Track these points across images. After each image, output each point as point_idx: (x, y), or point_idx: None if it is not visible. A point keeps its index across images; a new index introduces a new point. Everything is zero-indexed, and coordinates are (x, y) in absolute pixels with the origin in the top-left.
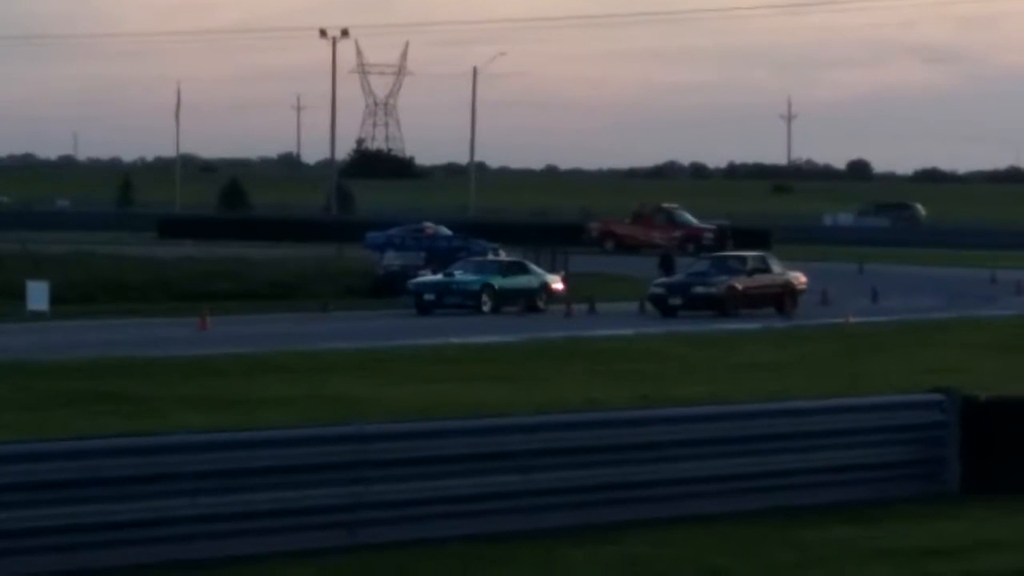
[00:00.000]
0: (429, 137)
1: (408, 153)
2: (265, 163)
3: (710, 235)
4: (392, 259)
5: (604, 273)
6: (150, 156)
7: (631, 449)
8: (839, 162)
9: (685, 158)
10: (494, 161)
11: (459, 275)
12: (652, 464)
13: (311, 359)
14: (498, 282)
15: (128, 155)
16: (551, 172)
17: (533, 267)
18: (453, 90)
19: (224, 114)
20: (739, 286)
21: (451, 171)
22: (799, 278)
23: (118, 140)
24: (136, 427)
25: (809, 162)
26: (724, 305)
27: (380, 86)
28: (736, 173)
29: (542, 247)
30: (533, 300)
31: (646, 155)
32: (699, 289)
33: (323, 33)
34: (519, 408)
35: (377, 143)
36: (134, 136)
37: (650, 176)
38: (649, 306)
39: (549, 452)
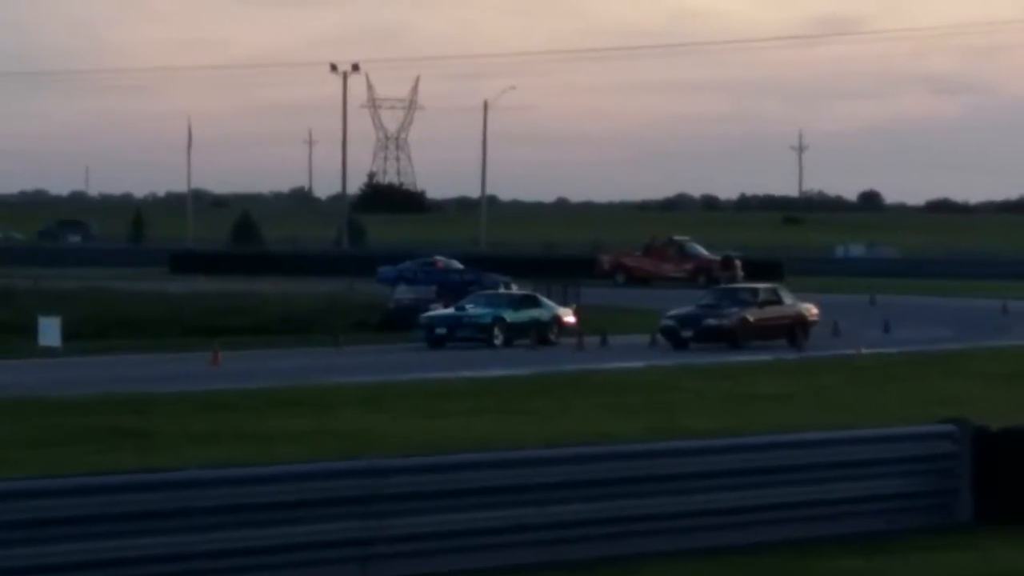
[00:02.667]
0: (440, 171)
1: (419, 187)
2: (277, 198)
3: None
4: (404, 293)
5: (615, 306)
6: (162, 191)
7: (645, 481)
8: (850, 193)
9: (696, 190)
10: (505, 194)
11: (471, 309)
12: (666, 496)
13: (323, 394)
14: (510, 315)
15: (140, 190)
16: (562, 205)
17: (544, 300)
18: (464, 124)
19: (235, 149)
20: (751, 318)
21: (462, 204)
22: (811, 310)
23: (130, 175)
24: (148, 462)
25: (820, 193)
26: (736, 337)
27: (391, 120)
28: (747, 205)
29: (553, 280)
30: (544, 333)
31: (657, 187)
32: (711, 321)
33: (334, 68)
34: (532, 441)
35: (388, 177)
36: (146, 171)
37: (661, 208)
38: (661, 338)
39: (563, 485)
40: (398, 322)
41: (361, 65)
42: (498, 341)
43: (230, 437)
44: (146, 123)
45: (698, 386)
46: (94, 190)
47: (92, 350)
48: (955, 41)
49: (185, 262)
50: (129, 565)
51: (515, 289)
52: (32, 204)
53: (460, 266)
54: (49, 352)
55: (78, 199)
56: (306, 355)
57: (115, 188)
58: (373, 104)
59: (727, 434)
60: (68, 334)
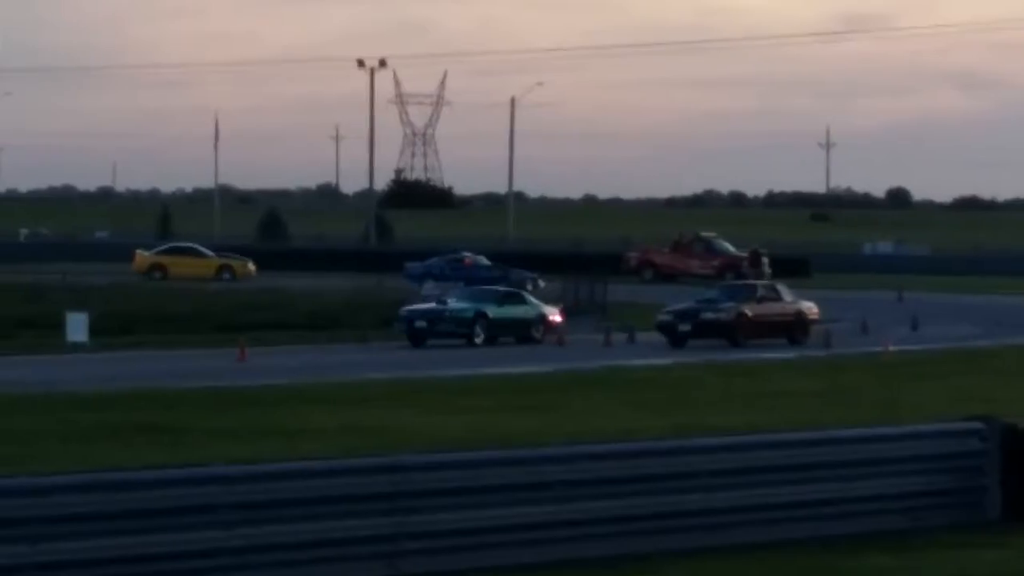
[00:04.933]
0: (467, 167)
1: (446, 183)
2: (303, 194)
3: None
4: (431, 289)
5: (642, 302)
6: (189, 187)
7: (669, 478)
8: (878, 190)
9: (724, 187)
10: (533, 191)
11: (452, 303)
12: (689, 494)
13: (349, 390)
14: (492, 311)
15: (167, 186)
16: (590, 201)
17: (530, 297)
18: (491, 120)
19: (262, 145)
20: (749, 313)
21: (489, 201)
22: (811, 308)
23: (157, 171)
24: (175, 458)
25: (848, 190)
26: (734, 332)
27: (418, 116)
28: (775, 202)
29: (581, 277)
30: (528, 331)
31: (685, 184)
32: (708, 315)
33: (361, 63)
34: (555, 438)
35: (416, 173)
36: (173, 167)
37: (689, 205)
38: (657, 335)
39: (586, 482)
40: None
41: (388, 61)
42: (479, 339)
43: (256, 433)
44: (173, 119)
45: (724, 383)
46: (121, 186)
47: (119, 345)
48: (983, 37)
49: None
50: (155, 561)
51: (542, 285)
52: (60, 200)
53: (487, 262)
54: (77, 347)
55: (105, 195)
56: (333, 351)
57: (142, 184)
58: (400, 100)
59: (753, 431)
60: (96, 329)
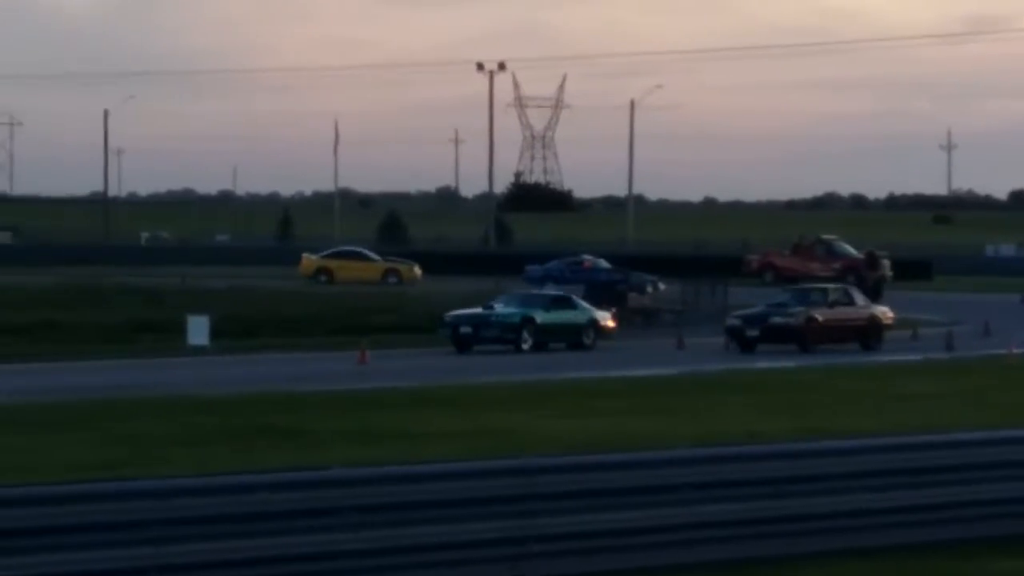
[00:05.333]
0: (587, 170)
1: (566, 186)
2: (423, 197)
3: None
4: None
5: None
6: (308, 190)
7: (795, 482)
8: (1000, 192)
9: (844, 189)
10: (652, 193)
11: (499, 308)
12: (816, 497)
13: (472, 392)
14: (540, 316)
15: (287, 189)
16: (710, 204)
17: (581, 302)
18: (611, 122)
19: (382, 148)
20: (820, 318)
21: (609, 204)
22: (886, 313)
23: (277, 175)
24: (298, 461)
25: (970, 192)
26: (804, 337)
27: (538, 119)
28: (896, 204)
29: (701, 279)
30: (579, 336)
31: (805, 186)
32: (776, 320)
33: (480, 66)
34: (681, 441)
35: (535, 176)
36: (293, 170)
37: (810, 207)
38: (726, 339)
39: (713, 485)
40: None
41: (508, 64)
42: (526, 345)
43: (379, 435)
44: (294, 122)
45: (848, 386)
46: (241, 189)
47: (240, 349)
48: None
49: None
50: (280, 563)
51: (662, 288)
52: (180, 203)
53: (607, 265)
54: (197, 351)
55: (225, 198)
56: (454, 354)
57: (262, 187)
58: (520, 103)
59: (878, 434)
60: (216, 333)
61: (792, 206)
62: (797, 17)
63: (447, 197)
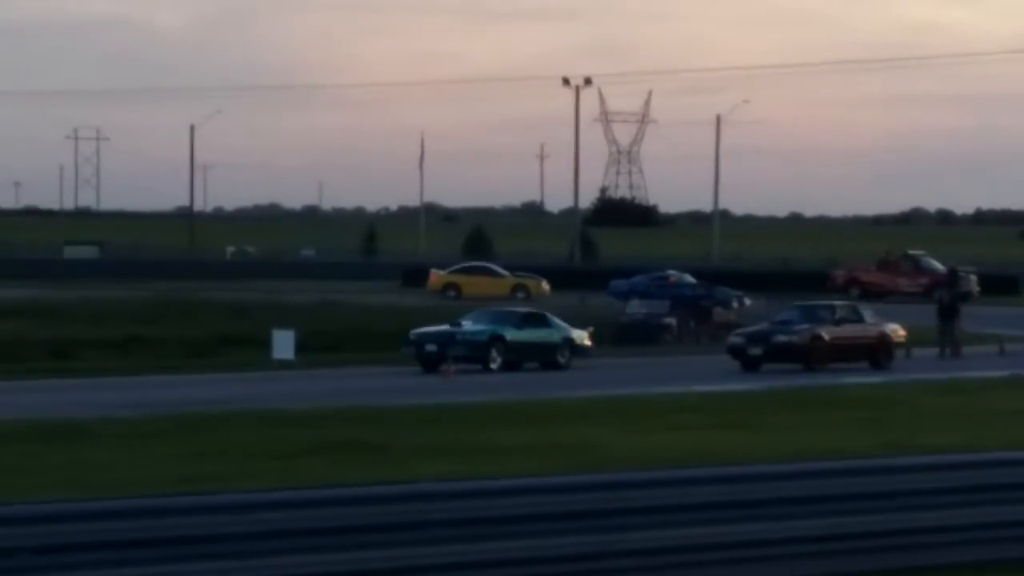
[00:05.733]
0: (672, 185)
1: (651, 201)
2: (508, 212)
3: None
4: (636, 307)
5: None
6: (394, 205)
7: (881, 497)
8: None
9: (931, 204)
10: (738, 208)
11: (467, 325)
12: (900, 513)
13: (554, 407)
14: (511, 334)
15: (372, 204)
16: (795, 219)
17: (556, 320)
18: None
19: (467, 163)
20: (826, 336)
21: (694, 219)
22: (897, 330)
23: (362, 189)
24: (383, 475)
25: None
26: (808, 356)
27: (623, 134)
28: (983, 219)
29: (786, 295)
30: (553, 356)
31: (892, 202)
32: (780, 338)
33: (566, 82)
34: (763, 456)
35: (620, 191)
36: (378, 185)
37: (896, 223)
38: (728, 358)
39: (798, 500)
40: (631, 336)
41: (594, 79)
42: (495, 364)
43: (463, 450)
44: (379, 137)
45: (934, 402)
46: (327, 204)
47: (325, 363)
48: None
49: (417, 276)
50: None
51: (748, 303)
52: (266, 218)
53: (693, 280)
54: (283, 365)
55: (311, 213)
56: (540, 369)
57: (348, 202)
58: (605, 118)
59: (965, 450)
60: (301, 347)
61: (878, 222)
62: (886, 32)
63: (532, 212)
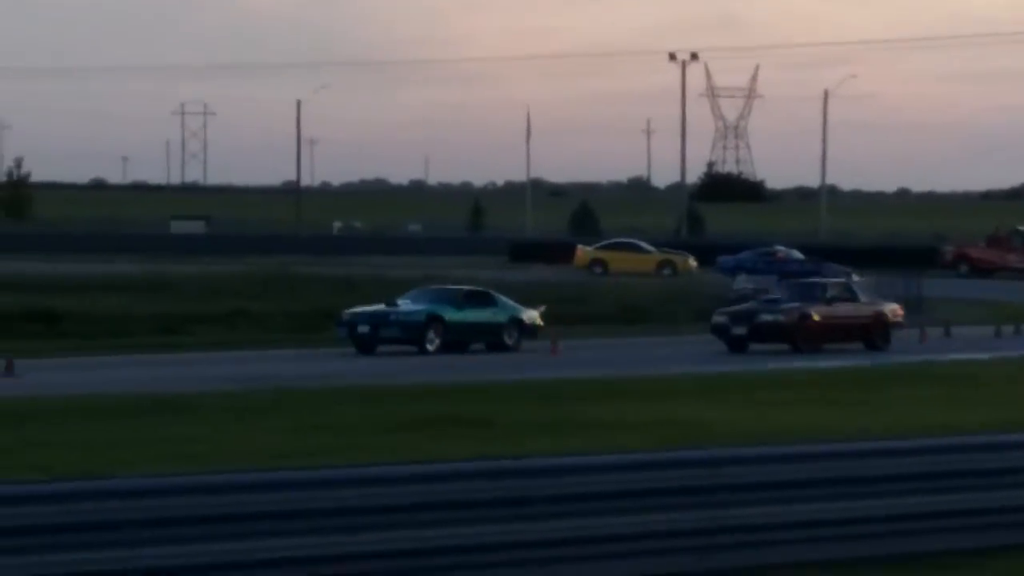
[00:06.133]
0: (779, 160)
1: (758, 176)
2: (614, 187)
3: None
4: (744, 283)
5: (958, 297)
6: (500, 180)
7: (991, 474)
8: None
9: None
10: (846, 184)
11: (404, 305)
12: (1013, 490)
13: (661, 383)
14: (450, 314)
15: (478, 179)
16: (903, 195)
17: (503, 299)
18: (803, 112)
19: (574, 138)
20: (815, 315)
21: (801, 194)
22: (895, 310)
23: (468, 164)
24: (488, 451)
25: None
26: (795, 337)
27: (730, 109)
28: None
29: (895, 271)
30: (499, 336)
31: (1002, 177)
32: (765, 317)
33: (672, 57)
34: (870, 432)
35: (727, 166)
36: (484, 160)
37: (1006, 198)
38: (713, 337)
39: (908, 477)
40: None
41: (700, 54)
42: (432, 346)
43: (570, 425)
44: (486, 113)
45: None
46: (433, 179)
47: None
48: None
49: (524, 251)
50: (475, 552)
51: (855, 279)
52: (372, 193)
53: (800, 256)
54: None
55: (417, 188)
56: (644, 344)
57: (454, 177)
58: (712, 93)
59: None
60: None
61: (988, 197)
62: (994, 6)
63: (639, 187)
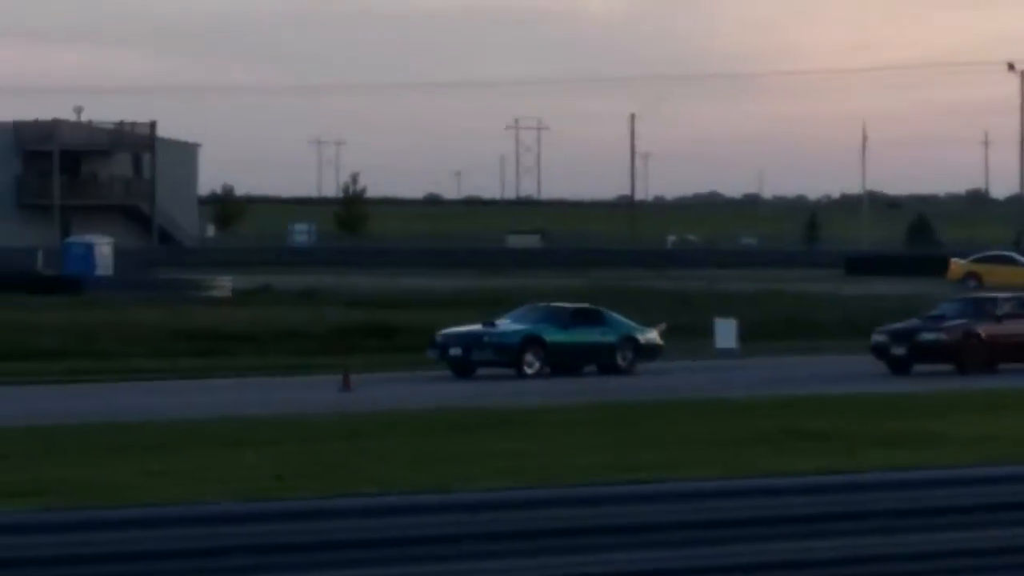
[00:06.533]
0: None
1: None
2: (952, 199)
3: None
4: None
5: None
6: (835, 193)
7: None
8: None
9: None
10: None
11: (502, 324)
12: None
13: (997, 396)
14: (551, 335)
15: (813, 192)
16: None
17: (615, 317)
18: None
19: (910, 150)
20: (982, 333)
21: None
22: None
23: (803, 177)
24: (828, 465)
25: None
26: (960, 357)
27: None
28: None
29: None
30: (611, 358)
31: None
32: (926, 336)
33: (1011, 66)
34: None
35: None
36: (819, 173)
37: None
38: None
39: None
40: None
41: None
42: (531, 369)
43: (910, 439)
44: (820, 125)
45: None
46: (767, 192)
47: (766, 351)
48: None
49: (860, 264)
50: (810, 567)
51: None
52: (705, 206)
53: None
54: (725, 354)
55: (751, 201)
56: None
57: (788, 190)
58: None
59: None
60: (743, 336)
61: None
62: None
63: (977, 199)
